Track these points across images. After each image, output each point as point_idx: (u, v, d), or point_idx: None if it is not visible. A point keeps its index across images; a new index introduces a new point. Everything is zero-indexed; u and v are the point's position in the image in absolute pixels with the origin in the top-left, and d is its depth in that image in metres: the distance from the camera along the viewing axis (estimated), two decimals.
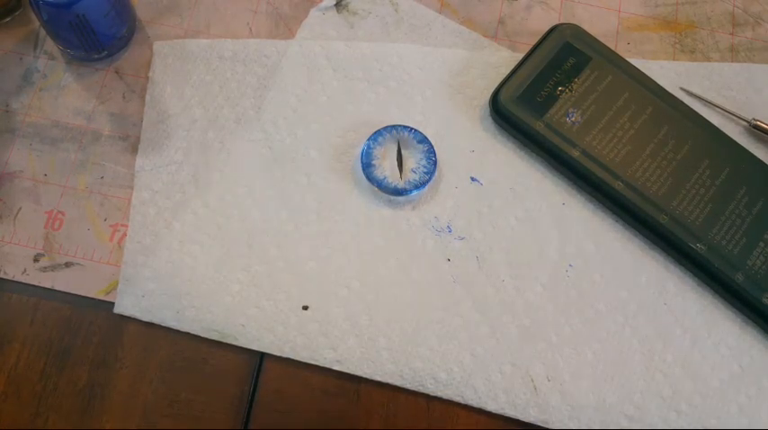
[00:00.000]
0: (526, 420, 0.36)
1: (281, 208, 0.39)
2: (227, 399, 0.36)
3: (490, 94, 0.41)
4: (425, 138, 0.40)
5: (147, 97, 0.41)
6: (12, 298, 0.37)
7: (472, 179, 0.40)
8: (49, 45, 0.42)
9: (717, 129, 0.40)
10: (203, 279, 0.37)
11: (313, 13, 0.43)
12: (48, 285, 0.37)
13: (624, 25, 0.45)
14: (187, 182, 0.39)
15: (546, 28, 0.42)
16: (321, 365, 0.36)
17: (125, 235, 0.38)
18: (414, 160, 0.40)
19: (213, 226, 0.38)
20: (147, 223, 0.38)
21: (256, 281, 0.37)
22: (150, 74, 0.41)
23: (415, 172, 0.39)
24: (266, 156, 0.40)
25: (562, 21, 0.44)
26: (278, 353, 0.36)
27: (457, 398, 0.36)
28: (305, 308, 0.37)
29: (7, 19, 0.42)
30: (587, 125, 0.39)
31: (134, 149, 0.40)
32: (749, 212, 0.38)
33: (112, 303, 0.37)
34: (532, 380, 0.36)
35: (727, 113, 0.42)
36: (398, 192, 0.39)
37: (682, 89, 0.43)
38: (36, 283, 0.37)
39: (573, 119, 0.40)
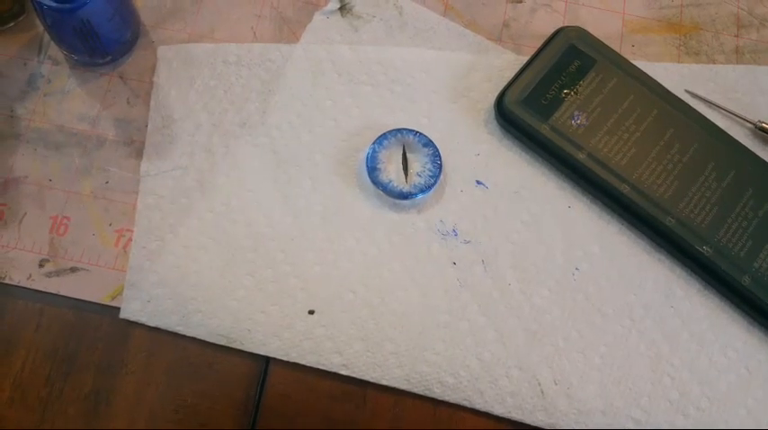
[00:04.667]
0: (533, 424, 0.36)
1: (286, 212, 0.39)
2: (233, 404, 0.36)
3: (495, 97, 0.41)
4: (430, 141, 0.39)
5: (152, 102, 0.41)
6: (17, 303, 0.37)
7: (477, 182, 0.40)
8: (54, 50, 0.42)
9: (722, 131, 0.40)
10: (209, 284, 0.37)
11: (317, 17, 0.43)
12: (53, 291, 0.37)
13: (628, 27, 0.45)
14: (192, 186, 0.39)
15: (550, 31, 0.42)
16: (327, 370, 0.36)
17: (130, 240, 0.38)
18: (419, 164, 0.39)
19: (219, 230, 0.38)
20: (152, 228, 0.38)
21: (262, 285, 0.37)
22: (155, 78, 0.41)
23: (420, 175, 0.39)
24: (271, 160, 0.40)
25: (566, 23, 0.44)
26: (284, 358, 0.36)
27: (464, 402, 0.36)
28: (311, 312, 0.37)
29: (11, 24, 0.42)
30: (592, 128, 0.39)
31: (139, 154, 0.40)
32: (755, 215, 0.38)
33: (118, 308, 0.37)
34: (539, 384, 0.36)
35: (732, 116, 0.42)
36: (404, 195, 0.39)
37: (687, 91, 0.43)
38: (41, 289, 0.37)
39: (578, 121, 0.39)
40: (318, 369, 0.36)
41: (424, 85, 0.42)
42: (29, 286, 0.37)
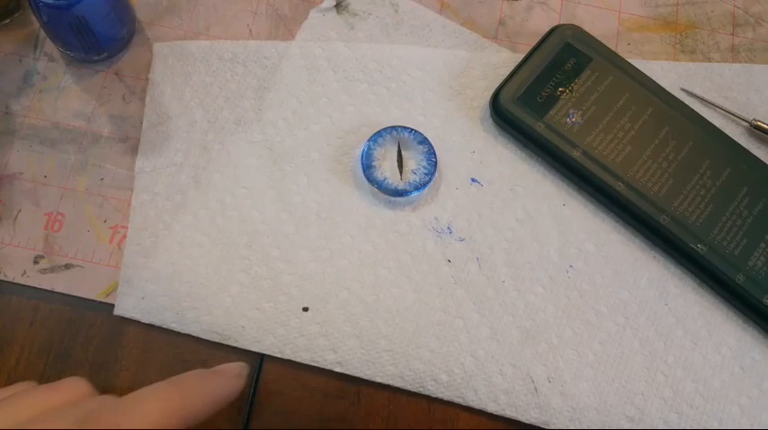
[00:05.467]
0: (527, 421, 0.36)
1: (281, 209, 0.39)
2: None
3: (490, 94, 0.41)
4: (426, 139, 0.39)
5: (147, 99, 0.41)
6: (11, 300, 0.37)
7: (472, 180, 0.40)
8: (49, 47, 0.42)
9: (717, 129, 0.40)
10: (203, 281, 0.37)
11: (313, 14, 0.43)
12: (47, 287, 0.37)
13: (624, 26, 0.45)
14: (187, 183, 0.39)
15: (546, 29, 0.42)
16: (321, 367, 0.36)
17: (125, 236, 0.38)
18: (414, 161, 0.39)
19: (213, 227, 0.38)
20: (146, 225, 0.38)
21: (256, 282, 0.37)
22: (150, 75, 0.41)
23: (415, 173, 0.39)
24: (266, 157, 0.40)
25: (562, 21, 0.44)
26: (278, 355, 0.36)
27: (458, 400, 0.36)
28: (305, 309, 0.37)
29: (7, 21, 0.42)
30: (588, 126, 0.39)
31: (134, 151, 0.40)
32: (750, 213, 0.38)
33: (112, 305, 0.37)
34: (533, 382, 0.36)
35: (727, 114, 0.42)
36: (399, 193, 0.39)
37: (682, 90, 0.43)
38: (36, 285, 0.37)
39: (573, 119, 0.39)
40: (312, 366, 0.36)
41: (419, 83, 0.42)
42: (23, 282, 0.37)
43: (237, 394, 0.32)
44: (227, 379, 0.32)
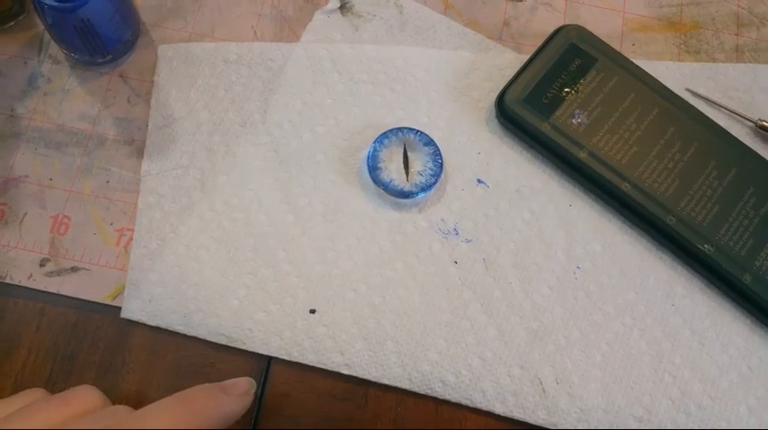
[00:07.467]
0: (535, 423, 0.36)
1: (287, 211, 0.39)
2: None
3: (496, 95, 0.41)
4: (431, 140, 0.39)
5: (153, 101, 0.41)
6: (18, 303, 0.37)
7: (478, 181, 0.40)
8: (54, 49, 0.42)
9: (723, 129, 0.40)
10: (210, 283, 0.37)
11: (317, 15, 0.43)
12: (54, 290, 0.37)
13: (629, 26, 0.45)
14: (193, 186, 0.39)
15: (551, 29, 0.42)
16: (329, 369, 0.36)
17: (131, 239, 0.38)
18: (420, 162, 0.39)
19: (219, 230, 0.38)
20: (153, 227, 0.38)
21: (263, 284, 0.37)
22: (155, 77, 0.41)
23: (421, 174, 0.39)
24: (272, 159, 0.40)
25: (567, 22, 0.44)
26: (285, 358, 0.36)
27: (465, 402, 0.36)
28: (312, 311, 0.37)
29: (11, 23, 0.42)
30: (593, 126, 0.39)
31: (139, 153, 0.40)
32: (756, 213, 0.38)
33: (119, 308, 0.37)
34: (541, 383, 0.36)
35: (733, 114, 0.42)
36: (405, 194, 0.39)
37: (687, 90, 0.43)
38: (42, 289, 0.37)
39: (579, 120, 0.39)
40: (320, 368, 0.36)
41: (424, 84, 0.42)
42: (30, 286, 0.37)
43: (245, 411, 0.32)
44: (236, 397, 0.32)
